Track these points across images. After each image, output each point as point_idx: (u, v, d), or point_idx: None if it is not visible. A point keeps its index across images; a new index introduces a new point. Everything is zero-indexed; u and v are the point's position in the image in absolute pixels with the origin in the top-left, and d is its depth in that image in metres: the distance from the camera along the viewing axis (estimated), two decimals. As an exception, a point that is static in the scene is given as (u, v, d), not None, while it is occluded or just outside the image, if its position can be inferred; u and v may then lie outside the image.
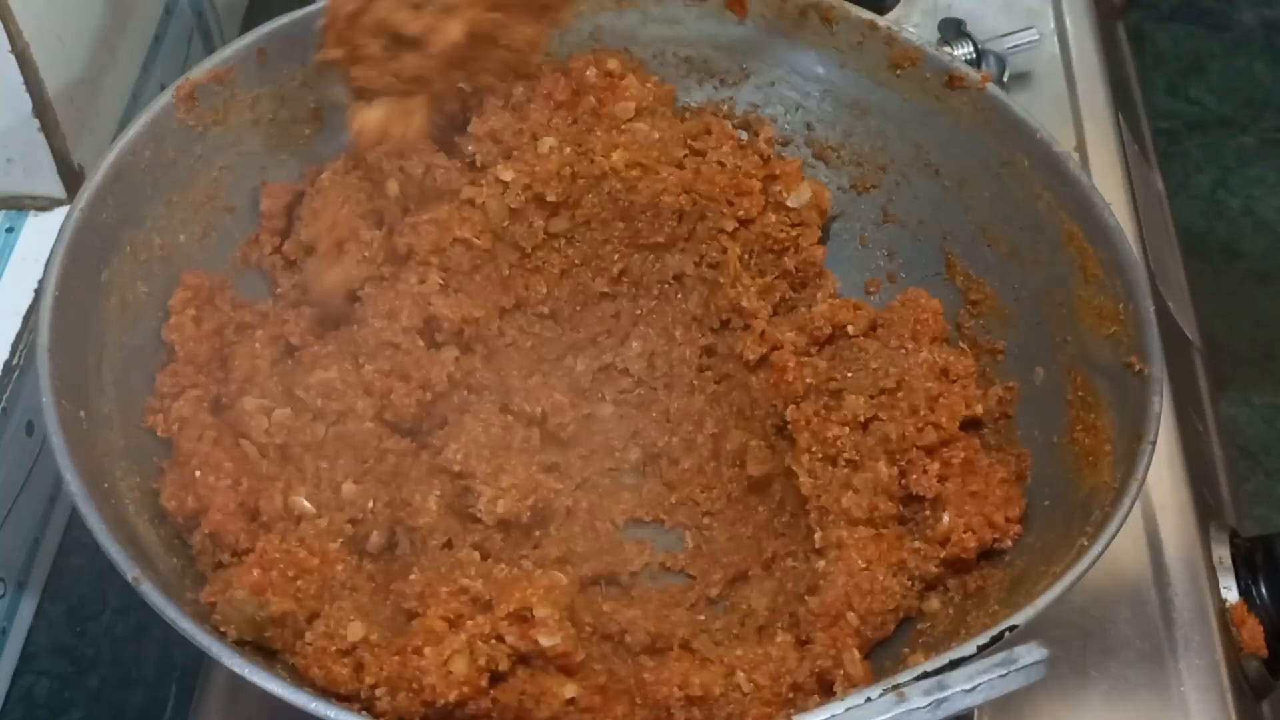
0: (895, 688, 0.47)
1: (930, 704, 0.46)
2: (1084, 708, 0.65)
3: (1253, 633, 0.69)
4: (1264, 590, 0.70)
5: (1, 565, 0.74)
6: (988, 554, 0.62)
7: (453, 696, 0.52)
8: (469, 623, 0.54)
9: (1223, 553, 0.72)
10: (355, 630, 0.54)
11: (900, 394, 0.64)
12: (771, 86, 0.76)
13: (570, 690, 0.54)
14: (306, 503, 0.60)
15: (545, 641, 0.54)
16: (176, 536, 0.59)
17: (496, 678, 0.54)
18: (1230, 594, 0.70)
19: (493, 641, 0.54)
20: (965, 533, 0.61)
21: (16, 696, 0.75)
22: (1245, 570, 0.71)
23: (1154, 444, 0.57)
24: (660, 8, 0.75)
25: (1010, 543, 0.61)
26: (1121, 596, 0.69)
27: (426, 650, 0.53)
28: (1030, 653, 0.47)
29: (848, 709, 0.47)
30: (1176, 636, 0.67)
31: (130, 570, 0.51)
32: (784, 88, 0.75)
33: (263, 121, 0.69)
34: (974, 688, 0.46)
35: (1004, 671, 0.47)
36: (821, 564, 0.61)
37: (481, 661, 0.54)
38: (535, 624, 0.54)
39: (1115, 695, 0.66)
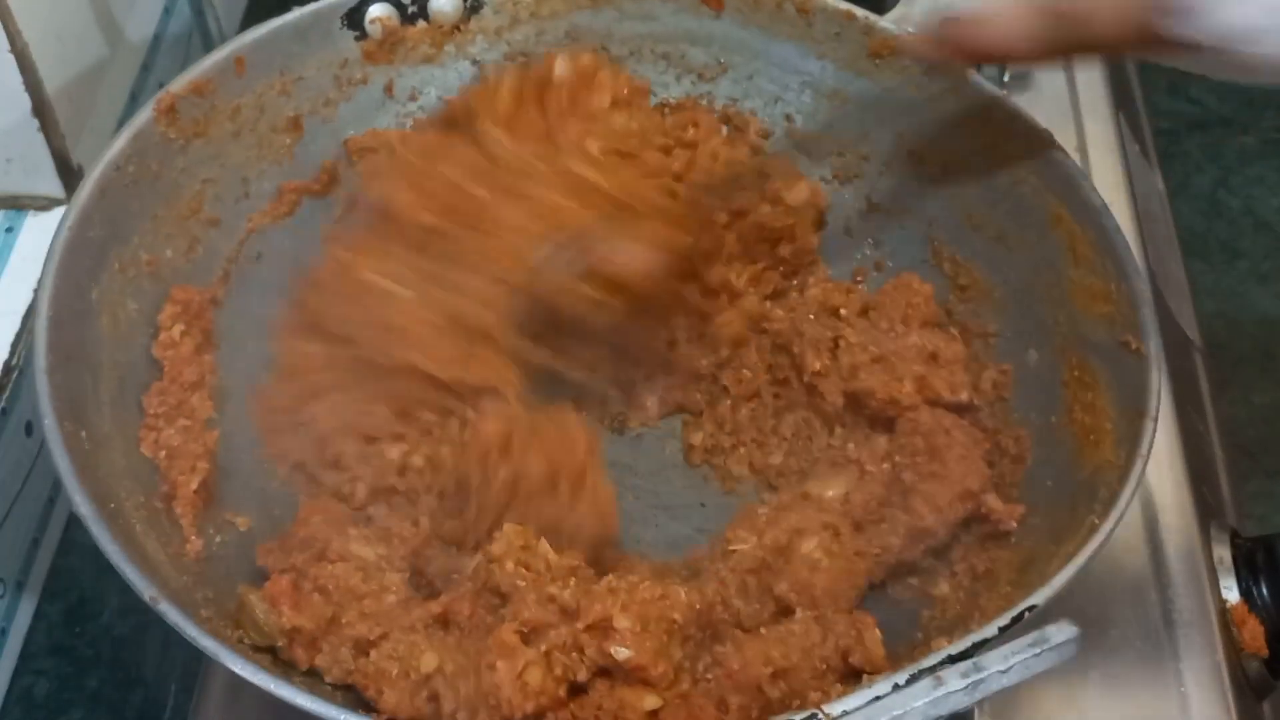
0: (930, 671, 0.47)
1: (967, 686, 0.46)
2: (1084, 708, 0.65)
3: (1253, 633, 0.69)
4: (1264, 590, 0.70)
5: (1, 565, 0.73)
6: (994, 536, 0.63)
7: (530, 708, 0.52)
8: (551, 632, 0.54)
9: (1223, 553, 0.72)
10: (429, 661, 0.55)
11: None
12: (750, 80, 0.76)
13: (651, 702, 0.54)
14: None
15: (618, 654, 0.53)
16: (183, 554, 0.59)
17: (576, 689, 0.54)
18: (1231, 594, 0.70)
19: (572, 653, 0.54)
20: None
21: (16, 696, 0.75)
22: (1246, 570, 0.71)
23: (1156, 420, 0.58)
24: (636, 4, 0.75)
25: (1014, 524, 0.62)
26: (1121, 596, 0.69)
27: (500, 663, 0.53)
28: (1062, 631, 0.47)
29: (883, 694, 0.47)
30: (1176, 636, 0.67)
31: (148, 590, 0.51)
32: (762, 80, 0.75)
33: (243, 132, 0.69)
34: (1009, 668, 0.47)
35: (1038, 651, 0.47)
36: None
37: (558, 672, 0.53)
38: (612, 635, 0.53)
39: (1115, 695, 0.66)
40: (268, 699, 0.49)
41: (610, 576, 0.57)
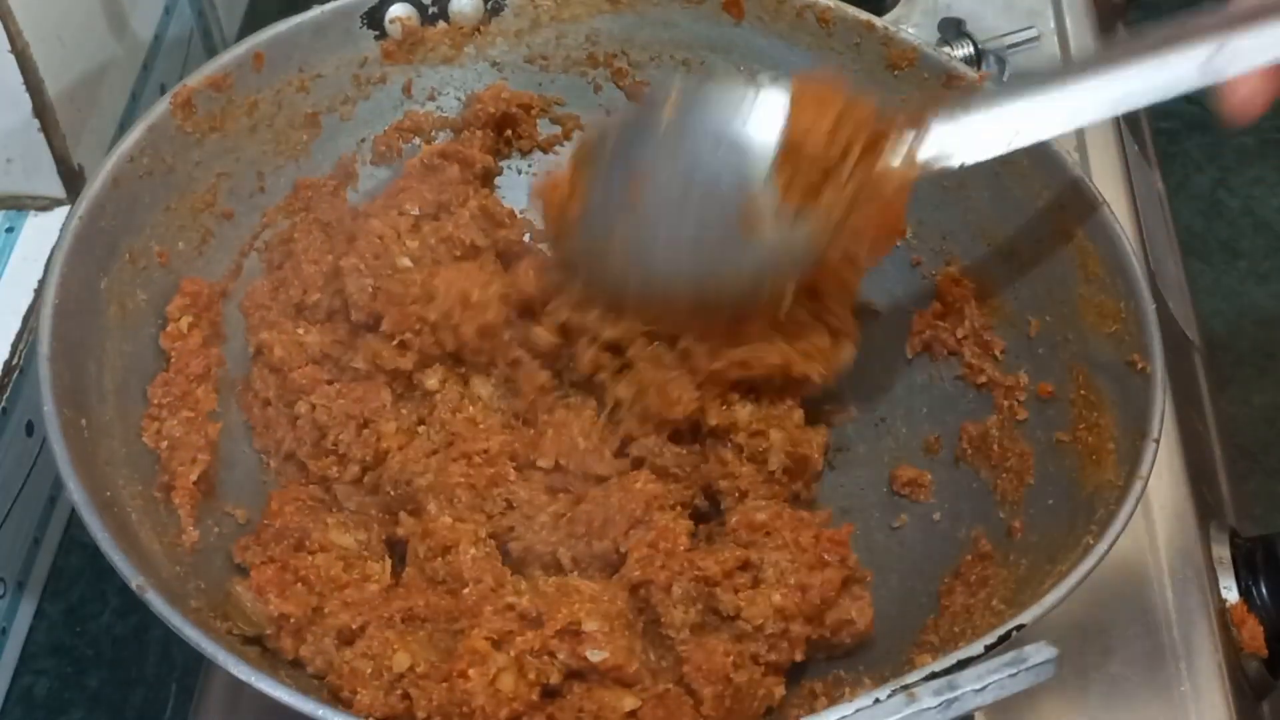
0: (905, 688, 0.47)
1: (940, 704, 0.46)
2: (1084, 708, 0.65)
3: (1253, 633, 0.69)
4: (1264, 590, 0.70)
5: (1, 565, 0.74)
6: (988, 555, 0.63)
7: (504, 715, 0.52)
8: (518, 639, 0.54)
9: (1223, 553, 0.72)
10: (401, 661, 0.54)
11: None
12: None
13: (630, 703, 0.54)
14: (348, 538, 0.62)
15: (594, 656, 0.53)
16: (178, 544, 0.59)
17: (551, 693, 0.54)
18: (1230, 594, 0.70)
19: (544, 657, 0.54)
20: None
21: (16, 696, 0.75)
22: (1245, 570, 0.71)
23: (1158, 441, 0.58)
24: (656, 10, 0.74)
25: None
26: (1121, 596, 0.69)
27: (472, 672, 0.52)
28: (1040, 652, 0.47)
29: (858, 710, 0.46)
30: (1176, 636, 0.67)
31: (135, 579, 0.51)
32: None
33: (260, 127, 0.69)
34: (984, 687, 0.46)
35: (1014, 671, 0.47)
36: None
37: (531, 676, 0.53)
38: (584, 638, 0.53)
39: (1115, 695, 0.66)
40: (269, 699, 0.50)
41: (555, 579, 0.57)
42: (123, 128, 0.83)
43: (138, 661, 0.77)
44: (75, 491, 0.52)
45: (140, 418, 0.61)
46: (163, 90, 0.67)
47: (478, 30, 0.74)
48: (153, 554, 0.56)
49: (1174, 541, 0.71)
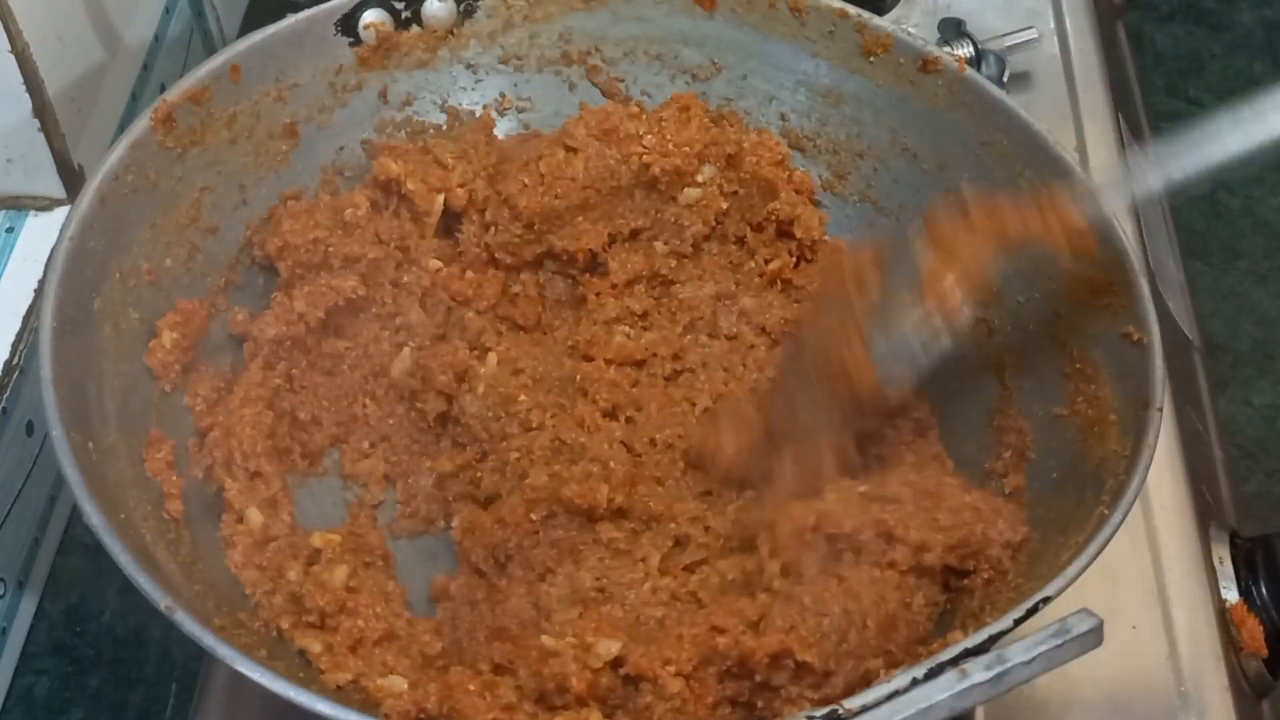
0: (952, 664, 0.47)
1: (992, 678, 0.46)
2: (1083, 708, 0.65)
3: (1253, 633, 0.69)
4: (1264, 590, 0.70)
5: (1, 565, 0.74)
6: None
7: None
8: None
9: (1223, 553, 0.72)
10: None
11: None
12: (744, 80, 0.76)
13: None
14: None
15: None
16: (193, 563, 0.59)
17: None
18: (1230, 594, 0.70)
19: None
20: None
21: (16, 696, 0.75)
22: (1245, 570, 0.71)
23: (1161, 410, 0.58)
24: (629, 6, 0.75)
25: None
26: (1121, 597, 0.69)
27: None
28: (1083, 621, 0.47)
29: (902, 689, 0.47)
30: (1176, 636, 0.67)
31: (163, 600, 0.50)
32: (756, 80, 0.76)
33: (240, 140, 0.69)
34: (1032, 659, 0.47)
35: (1060, 641, 0.47)
36: None
37: None
38: None
39: (1115, 695, 0.66)
40: (268, 698, 0.49)
41: None
42: (123, 128, 0.83)
43: (138, 661, 0.77)
44: (93, 515, 0.52)
45: (143, 439, 0.61)
46: (163, 90, 0.67)
47: (451, 33, 0.74)
48: (171, 574, 0.56)
49: (1174, 541, 0.71)
